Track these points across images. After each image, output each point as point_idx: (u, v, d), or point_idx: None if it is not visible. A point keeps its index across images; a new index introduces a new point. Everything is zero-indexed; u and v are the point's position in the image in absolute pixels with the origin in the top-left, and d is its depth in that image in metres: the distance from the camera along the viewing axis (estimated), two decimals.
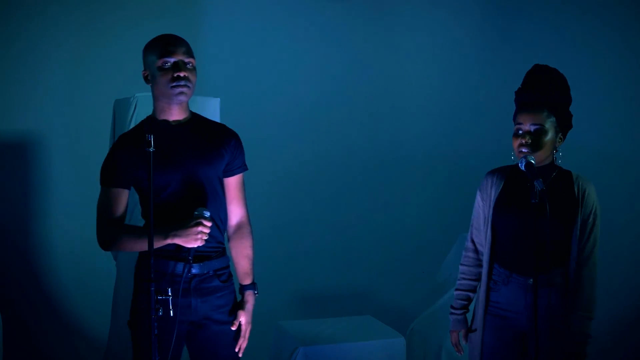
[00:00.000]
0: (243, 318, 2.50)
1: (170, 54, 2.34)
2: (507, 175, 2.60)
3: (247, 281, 2.58)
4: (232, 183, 2.53)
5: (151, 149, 2.15)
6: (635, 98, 5.22)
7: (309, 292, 5.06)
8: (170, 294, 2.17)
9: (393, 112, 5.40)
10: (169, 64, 2.34)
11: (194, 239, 2.25)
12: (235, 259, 2.58)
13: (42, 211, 4.48)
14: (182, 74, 2.33)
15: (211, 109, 3.82)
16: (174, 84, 2.33)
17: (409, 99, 5.42)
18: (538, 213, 2.40)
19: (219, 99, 3.91)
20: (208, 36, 4.82)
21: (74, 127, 4.57)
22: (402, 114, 5.41)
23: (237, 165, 2.53)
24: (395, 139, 5.37)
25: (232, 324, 2.48)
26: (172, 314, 2.16)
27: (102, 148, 4.09)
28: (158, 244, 2.27)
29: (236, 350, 2.50)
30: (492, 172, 2.65)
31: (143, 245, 2.27)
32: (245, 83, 4.85)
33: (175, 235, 2.26)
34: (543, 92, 2.50)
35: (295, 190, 5.08)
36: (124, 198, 2.36)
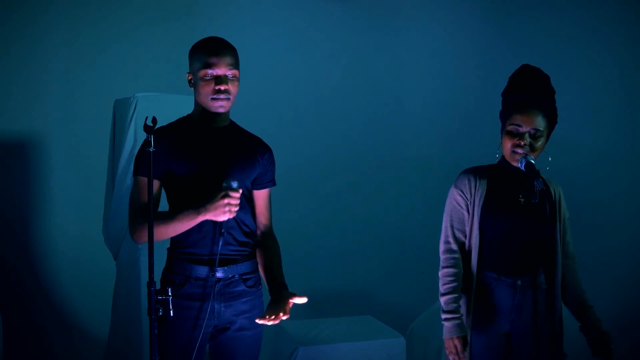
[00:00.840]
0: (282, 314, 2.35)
1: (213, 65, 2.34)
2: (487, 176, 2.55)
3: (277, 281, 2.48)
4: (261, 196, 2.53)
5: (151, 149, 2.15)
6: (632, 97, 5.24)
7: (309, 292, 5.04)
8: (170, 294, 2.16)
9: (393, 112, 5.40)
10: (211, 76, 2.34)
11: (223, 212, 2.22)
12: (265, 265, 2.51)
13: (42, 211, 4.48)
14: (222, 88, 2.34)
15: None
16: (214, 96, 2.34)
17: (410, 100, 5.42)
18: (537, 213, 2.41)
19: None
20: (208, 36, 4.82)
21: (74, 127, 4.56)
22: (403, 114, 5.42)
23: (267, 179, 2.54)
24: (395, 139, 5.37)
25: (259, 329, 2.43)
26: (171, 314, 2.15)
27: (102, 148, 4.12)
28: (191, 222, 2.25)
29: (268, 320, 2.31)
30: (471, 172, 2.57)
31: (176, 228, 2.25)
32: (246, 83, 4.84)
33: (204, 210, 2.23)
34: (541, 96, 2.50)
35: (296, 191, 5.08)
36: (156, 188, 2.34)
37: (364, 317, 4.11)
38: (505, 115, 2.53)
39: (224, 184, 2.25)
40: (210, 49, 2.36)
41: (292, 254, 5.09)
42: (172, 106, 3.55)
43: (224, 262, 2.35)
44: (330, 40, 5.22)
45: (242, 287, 2.40)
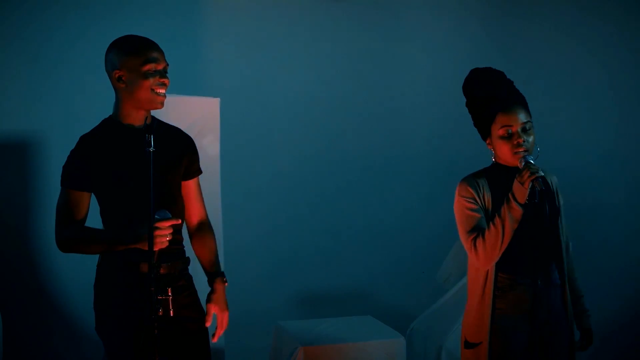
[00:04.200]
0: (214, 309, 2.53)
1: (157, 60, 2.37)
2: (487, 181, 2.51)
3: (214, 269, 2.60)
4: (192, 186, 2.60)
5: (151, 149, 2.16)
6: (632, 97, 5.25)
7: (309, 292, 5.06)
8: (170, 294, 2.18)
9: (394, 111, 5.40)
10: (155, 69, 2.36)
11: (158, 243, 2.24)
12: (199, 252, 2.63)
13: (42, 211, 4.48)
14: (167, 81, 2.39)
15: (211, 109, 3.82)
16: (159, 90, 2.36)
17: (410, 99, 5.42)
18: (539, 213, 2.41)
19: (218, 99, 3.91)
20: (208, 36, 4.82)
21: (74, 127, 4.55)
22: (403, 113, 5.41)
23: (194, 169, 2.60)
24: (396, 139, 5.37)
25: (204, 320, 2.51)
26: (172, 314, 2.17)
27: None
28: (123, 247, 2.29)
29: (215, 340, 2.54)
30: (472, 179, 2.51)
31: (106, 248, 2.32)
32: (245, 83, 4.85)
33: (141, 240, 2.26)
34: (511, 89, 2.51)
35: (295, 190, 5.08)
36: (87, 201, 2.38)
37: (364, 317, 4.11)
38: (487, 122, 2.49)
39: (156, 216, 2.26)
40: (149, 44, 2.40)
41: (292, 253, 5.12)
42: (172, 106, 3.56)
43: (166, 259, 2.38)
44: (330, 41, 5.22)
45: (182, 282, 2.47)
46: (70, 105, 4.54)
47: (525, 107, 2.48)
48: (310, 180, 5.12)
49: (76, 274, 4.49)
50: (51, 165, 4.51)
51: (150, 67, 2.34)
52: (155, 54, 2.37)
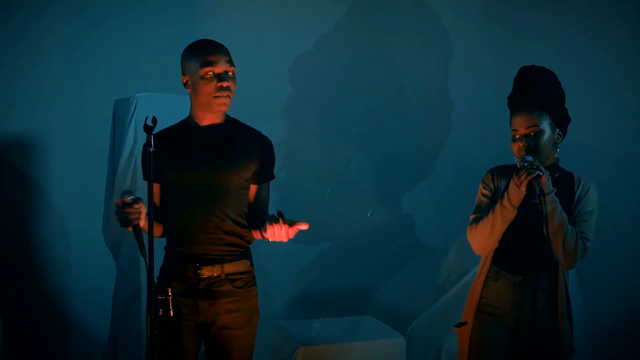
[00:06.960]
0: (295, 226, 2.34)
1: (213, 63, 2.34)
2: (509, 174, 2.56)
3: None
4: (260, 190, 2.55)
5: (151, 149, 2.16)
6: (637, 97, 5.22)
7: (309, 292, 5.06)
8: (170, 294, 2.18)
9: (393, 111, 5.40)
10: (212, 73, 2.34)
11: (120, 220, 2.20)
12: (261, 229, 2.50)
13: (42, 211, 4.48)
14: (225, 84, 2.34)
15: None
16: (218, 94, 2.35)
17: (410, 99, 5.42)
18: (536, 213, 2.41)
19: None
20: (207, 36, 4.81)
21: (74, 128, 4.56)
22: (403, 113, 5.41)
23: (265, 173, 2.53)
24: (395, 139, 5.36)
25: (242, 329, 2.46)
26: (171, 314, 2.17)
27: (102, 148, 4.12)
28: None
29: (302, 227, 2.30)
30: (495, 169, 2.64)
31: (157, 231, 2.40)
32: (245, 83, 4.84)
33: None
34: (532, 93, 2.51)
35: (295, 190, 5.08)
36: (157, 191, 2.45)
37: (364, 317, 4.11)
38: (510, 120, 2.57)
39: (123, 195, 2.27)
40: (207, 48, 2.38)
41: (291, 254, 5.11)
42: (172, 106, 3.55)
43: (211, 262, 2.38)
44: (330, 40, 5.21)
45: (227, 287, 2.42)
46: (70, 105, 4.55)
47: (547, 111, 2.47)
48: (310, 180, 5.12)
49: (76, 275, 4.49)
50: (52, 166, 4.51)
51: (206, 70, 2.33)
52: (212, 57, 2.34)
